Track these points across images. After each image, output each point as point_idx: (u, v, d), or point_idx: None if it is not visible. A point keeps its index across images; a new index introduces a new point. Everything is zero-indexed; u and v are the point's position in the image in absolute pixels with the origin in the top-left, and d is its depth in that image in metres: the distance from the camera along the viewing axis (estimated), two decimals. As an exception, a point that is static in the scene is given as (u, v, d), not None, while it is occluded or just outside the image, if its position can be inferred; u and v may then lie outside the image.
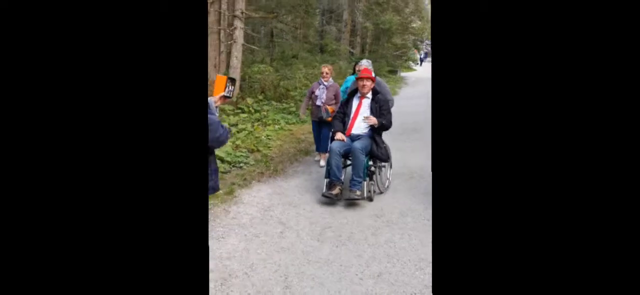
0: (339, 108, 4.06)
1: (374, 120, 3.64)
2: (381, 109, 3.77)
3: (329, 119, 4.44)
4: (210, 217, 3.23)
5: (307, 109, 5.09)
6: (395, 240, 2.92)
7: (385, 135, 3.93)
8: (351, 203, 3.52)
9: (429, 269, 2.54)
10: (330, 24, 18.56)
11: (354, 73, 4.78)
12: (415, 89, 13.77)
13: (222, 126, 1.99)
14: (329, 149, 3.76)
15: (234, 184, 3.99)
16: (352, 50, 17.20)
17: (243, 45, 8.06)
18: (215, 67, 7.75)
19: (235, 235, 2.95)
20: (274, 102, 8.23)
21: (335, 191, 3.55)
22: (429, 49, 36.16)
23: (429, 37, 27.30)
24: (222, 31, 7.81)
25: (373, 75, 3.97)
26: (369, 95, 3.86)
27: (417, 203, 3.62)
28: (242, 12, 7.77)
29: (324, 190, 3.63)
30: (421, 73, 20.86)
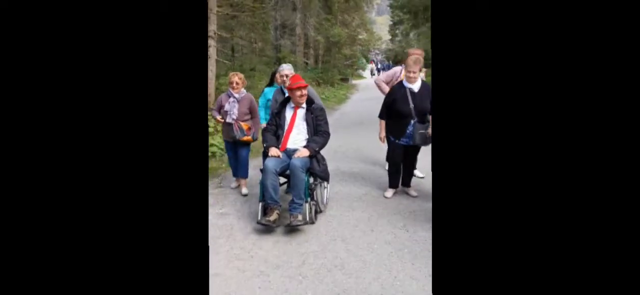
0: (270, 120, 3.56)
1: (305, 153, 3.22)
2: (317, 119, 3.40)
3: (245, 138, 3.79)
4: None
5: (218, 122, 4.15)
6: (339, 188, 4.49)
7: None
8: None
9: (359, 209, 4.11)
10: (284, 38, 20.12)
11: (271, 84, 4.30)
12: (364, 93, 16.33)
13: None
14: (262, 168, 3.18)
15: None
16: (306, 61, 18.82)
17: (217, 60, 9.42)
18: (193, 79, 9.01)
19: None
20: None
21: (273, 217, 3.06)
22: (379, 58, 37.33)
23: (375, 47, 28.99)
24: (197, 49, 9.09)
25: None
26: (304, 104, 3.45)
27: (358, 166, 5.25)
28: (214, 33, 9.15)
29: (259, 217, 3.12)
30: (369, 81, 23.02)
